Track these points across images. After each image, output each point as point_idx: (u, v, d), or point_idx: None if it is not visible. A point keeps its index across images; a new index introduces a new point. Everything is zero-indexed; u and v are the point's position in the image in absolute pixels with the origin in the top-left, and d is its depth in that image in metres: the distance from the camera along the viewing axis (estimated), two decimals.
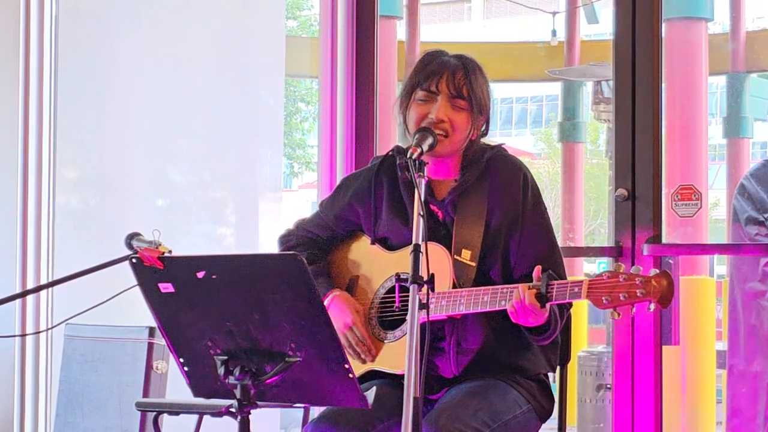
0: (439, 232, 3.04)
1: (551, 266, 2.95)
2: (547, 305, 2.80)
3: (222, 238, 5.43)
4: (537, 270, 2.82)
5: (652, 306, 2.69)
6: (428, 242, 2.85)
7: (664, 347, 4.34)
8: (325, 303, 3.05)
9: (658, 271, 2.71)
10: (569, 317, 3.08)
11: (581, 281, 2.76)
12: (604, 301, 2.71)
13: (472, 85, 3.00)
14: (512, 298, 2.80)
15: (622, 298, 2.70)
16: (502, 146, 3.14)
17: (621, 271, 2.72)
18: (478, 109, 3.01)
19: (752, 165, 5.27)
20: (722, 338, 6.47)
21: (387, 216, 3.11)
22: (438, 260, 2.91)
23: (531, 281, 2.83)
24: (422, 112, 2.99)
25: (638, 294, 2.69)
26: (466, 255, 2.99)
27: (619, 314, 2.73)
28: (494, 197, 3.03)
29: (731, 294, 5.04)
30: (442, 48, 3.13)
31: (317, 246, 3.23)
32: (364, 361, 3.06)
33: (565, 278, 2.96)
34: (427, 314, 2.56)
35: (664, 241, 4.36)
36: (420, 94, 3.01)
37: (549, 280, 2.78)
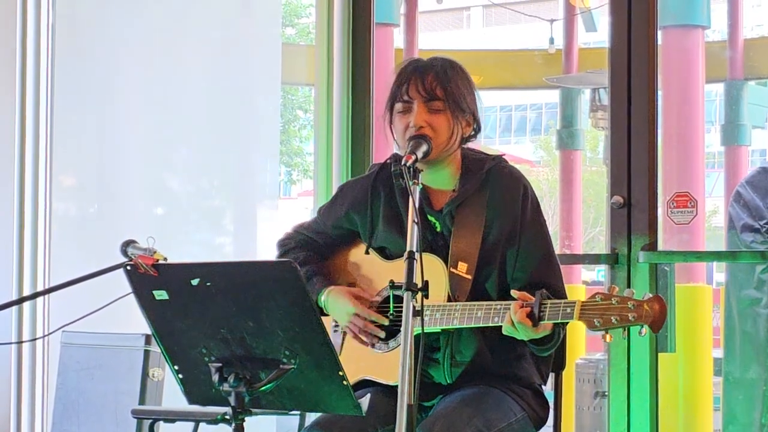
0: (436, 244, 3.03)
1: (547, 281, 2.94)
2: (540, 324, 2.78)
3: (220, 246, 5.44)
4: (519, 293, 2.81)
5: (644, 330, 2.70)
6: (425, 254, 2.86)
7: (660, 354, 4.34)
8: (323, 299, 3.06)
9: (651, 295, 2.71)
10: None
11: (574, 302, 2.75)
12: (596, 324, 2.72)
13: (445, 84, 2.96)
14: (506, 317, 2.80)
15: (614, 321, 2.70)
16: (503, 157, 3.11)
17: (614, 293, 2.72)
18: (456, 106, 2.96)
19: (748, 172, 5.29)
20: (719, 345, 6.46)
21: (383, 225, 3.09)
22: (434, 272, 2.89)
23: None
24: (404, 123, 2.97)
25: (630, 318, 2.69)
26: (462, 267, 2.97)
27: (611, 338, 2.74)
28: (493, 210, 3.00)
29: (727, 301, 5.04)
30: (421, 56, 3.10)
31: (315, 249, 3.21)
32: (373, 345, 3.02)
33: (563, 293, 2.97)
34: (422, 320, 2.56)
35: (660, 248, 4.37)
36: (398, 106, 2.99)
37: (542, 299, 2.77)
